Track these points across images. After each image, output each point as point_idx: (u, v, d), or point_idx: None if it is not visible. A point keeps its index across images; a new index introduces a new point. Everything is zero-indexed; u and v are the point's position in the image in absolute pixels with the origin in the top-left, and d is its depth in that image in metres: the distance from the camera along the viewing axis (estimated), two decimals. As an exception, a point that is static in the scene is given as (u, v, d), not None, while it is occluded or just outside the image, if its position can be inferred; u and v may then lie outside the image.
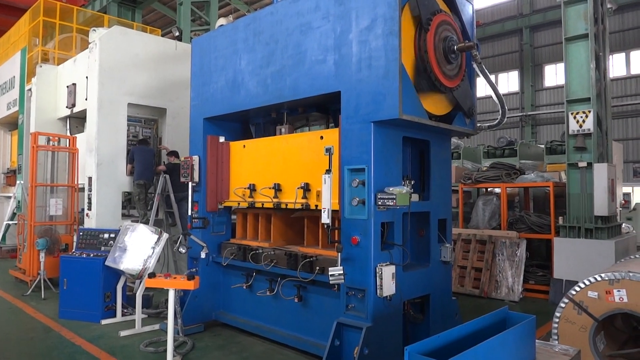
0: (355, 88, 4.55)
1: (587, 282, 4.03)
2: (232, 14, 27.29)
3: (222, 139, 6.33)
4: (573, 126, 7.91)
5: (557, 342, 3.98)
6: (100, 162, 8.48)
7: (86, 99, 9.09)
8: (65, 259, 6.94)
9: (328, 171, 4.51)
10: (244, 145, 6.10)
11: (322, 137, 5.02)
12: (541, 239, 8.71)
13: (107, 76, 8.65)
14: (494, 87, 5.33)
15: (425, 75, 4.51)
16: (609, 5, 9.24)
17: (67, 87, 10.21)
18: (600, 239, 7.62)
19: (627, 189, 20.17)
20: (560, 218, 8.09)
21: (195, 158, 6.26)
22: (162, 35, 11.90)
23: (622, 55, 21.72)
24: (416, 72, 4.50)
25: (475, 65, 5.11)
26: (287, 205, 5.38)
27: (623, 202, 16.71)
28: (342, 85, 4.67)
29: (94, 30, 9.03)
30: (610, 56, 20.69)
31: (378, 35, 4.40)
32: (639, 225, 14.69)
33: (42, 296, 7.76)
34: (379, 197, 4.31)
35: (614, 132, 20.79)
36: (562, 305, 4.07)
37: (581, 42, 7.98)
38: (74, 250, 7.46)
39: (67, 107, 10.26)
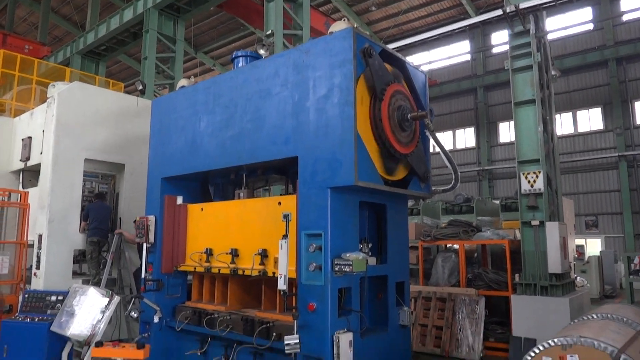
0: (312, 154, 4.63)
1: (542, 347, 4.07)
2: (198, 67, 27.68)
3: (180, 199, 6.25)
4: (525, 186, 8.23)
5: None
6: (52, 219, 8.15)
7: (41, 153, 8.87)
8: (7, 324, 6.51)
9: (285, 236, 4.50)
10: (202, 209, 6.04)
11: (280, 203, 5.04)
12: (500, 296, 8.81)
13: (64, 132, 8.48)
14: (446, 154, 5.51)
15: (380, 142, 4.65)
16: (553, 72, 9.90)
17: (23, 140, 9.95)
18: (555, 296, 7.78)
19: (580, 241, 20.88)
20: (516, 275, 8.23)
21: (152, 218, 6.14)
22: (126, 87, 11.90)
23: (570, 114, 23.07)
24: (371, 140, 4.63)
25: (428, 133, 5.32)
26: (244, 271, 5.29)
27: (577, 254, 17.22)
28: (300, 151, 4.75)
29: (53, 85, 8.94)
30: (559, 115, 21.93)
31: (334, 104, 4.54)
32: (592, 278, 15.13)
33: (-20, 364, 7.20)
34: (335, 263, 4.31)
35: (566, 186, 21.72)
36: (518, 371, 4.08)
37: (529, 106, 8.46)
38: (17, 314, 7.03)
39: (21, 160, 9.97)
